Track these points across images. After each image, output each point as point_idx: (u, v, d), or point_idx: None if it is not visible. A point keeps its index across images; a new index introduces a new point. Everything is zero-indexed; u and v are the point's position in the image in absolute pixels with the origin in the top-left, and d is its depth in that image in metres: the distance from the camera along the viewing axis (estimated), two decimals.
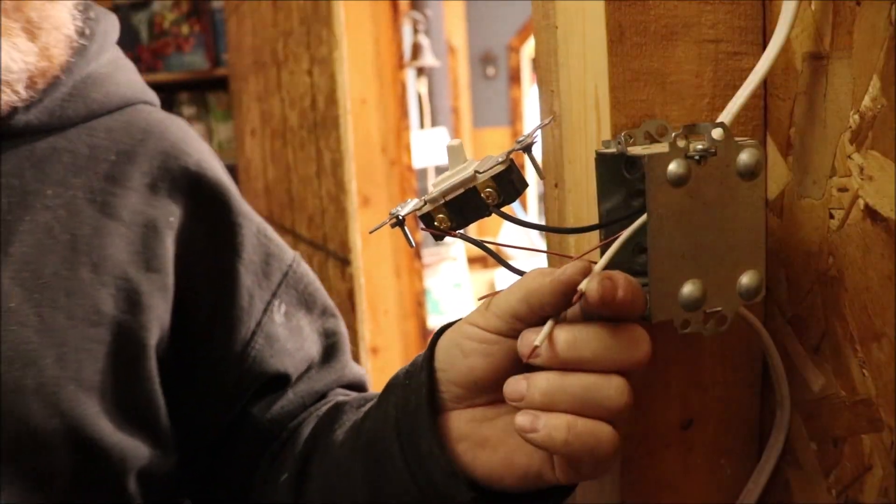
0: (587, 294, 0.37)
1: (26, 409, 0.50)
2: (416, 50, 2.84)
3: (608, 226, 0.42)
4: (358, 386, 0.69)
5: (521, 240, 3.72)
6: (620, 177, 0.44)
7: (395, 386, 0.50)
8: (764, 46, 0.46)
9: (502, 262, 0.45)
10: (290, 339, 0.65)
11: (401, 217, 0.45)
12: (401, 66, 1.54)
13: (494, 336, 0.41)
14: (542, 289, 0.38)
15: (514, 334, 0.41)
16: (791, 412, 0.48)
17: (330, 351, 0.68)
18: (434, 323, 2.47)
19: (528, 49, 5.85)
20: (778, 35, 0.42)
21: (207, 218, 0.62)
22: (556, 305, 0.38)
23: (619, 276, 0.37)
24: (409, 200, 0.47)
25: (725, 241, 0.40)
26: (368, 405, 0.56)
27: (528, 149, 0.40)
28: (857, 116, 0.41)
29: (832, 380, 0.45)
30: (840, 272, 0.43)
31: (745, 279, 0.41)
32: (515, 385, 0.40)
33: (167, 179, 0.60)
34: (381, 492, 0.48)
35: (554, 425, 0.38)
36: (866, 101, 0.40)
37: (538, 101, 0.54)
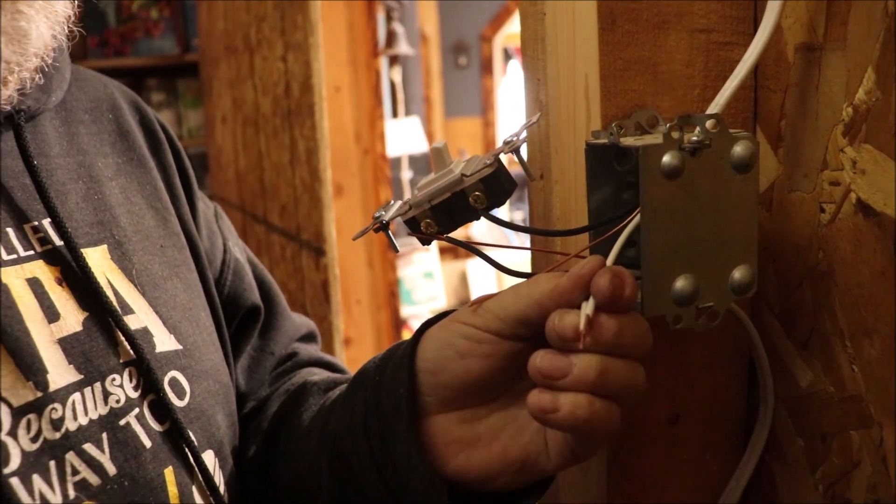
0: (599, 289, 0.36)
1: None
2: (391, 38, 2.81)
3: (600, 226, 0.41)
4: (311, 336, 0.71)
5: (494, 236, 3.73)
6: (610, 168, 0.43)
7: (363, 381, 0.49)
8: (754, 35, 0.45)
9: (494, 264, 0.44)
10: (248, 274, 0.66)
11: (385, 221, 0.43)
12: (375, 53, 1.52)
13: (494, 337, 0.41)
14: (558, 289, 0.38)
15: (513, 337, 0.41)
16: (778, 408, 0.48)
17: (270, 301, 0.68)
18: (406, 313, 2.46)
19: (501, 39, 5.83)
20: (766, 24, 0.41)
21: (176, 157, 0.61)
22: (574, 302, 0.38)
23: (625, 273, 0.37)
24: (393, 203, 0.46)
25: (718, 236, 0.39)
26: (335, 391, 0.56)
27: (516, 150, 0.39)
28: (850, 109, 0.40)
29: (821, 376, 0.44)
30: (831, 267, 0.42)
31: (738, 274, 0.40)
32: (555, 362, 0.38)
33: (145, 126, 0.60)
34: (346, 489, 0.48)
35: (578, 403, 0.38)
36: (860, 93, 0.39)
37: (523, 89, 0.53)
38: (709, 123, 0.38)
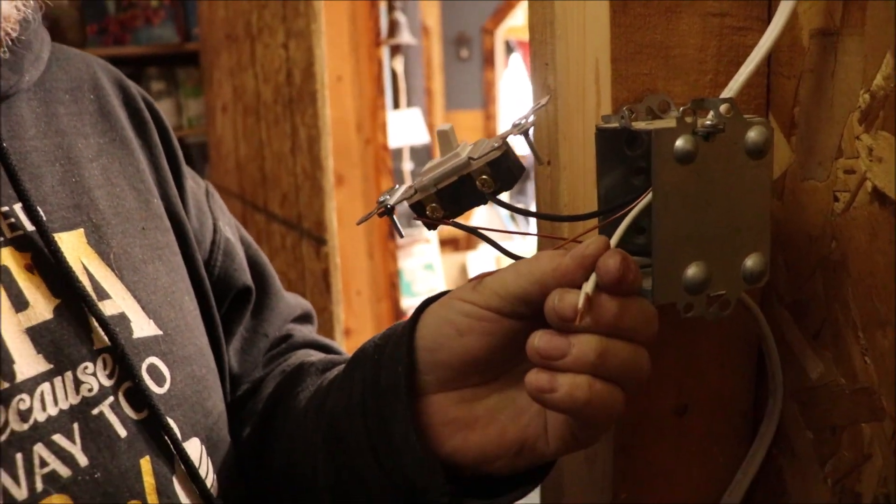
0: (606, 271, 0.35)
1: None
2: (393, 27, 2.79)
3: (609, 211, 0.40)
4: (306, 317, 0.70)
5: (494, 222, 3.72)
6: (621, 154, 0.42)
7: (361, 360, 0.48)
8: (769, 22, 0.44)
9: (500, 249, 0.43)
10: (239, 254, 0.65)
11: (390, 206, 0.42)
12: (377, 43, 1.50)
13: (494, 315, 0.40)
14: (561, 268, 0.37)
15: (513, 315, 0.40)
16: (786, 400, 0.47)
17: (263, 281, 0.67)
18: (406, 305, 2.46)
19: (503, 32, 5.81)
20: (783, 10, 0.40)
21: (162, 135, 0.60)
22: (576, 283, 0.37)
23: (630, 256, 0.36)
24: (398, 187, 0.45)
25: (730, 223, 0.39)
26: (332, 372, 0.55)
27: (525, 133, 0.38)
28: (867, 95, 0.39)
29: (832, 367, 0.43)
30: (844, 257, 0.42)
31: (750, 262, 0.39)
32: (554, 342, 0.37)
33: (129, 105, 0.58)
34: (342, 470, 0.47)
35: (577, 384, 0.37)
36: (878, 79, 0.38)
37: (530, 74, 0.52)
38: (723, 108, 0.37)
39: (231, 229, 0.66)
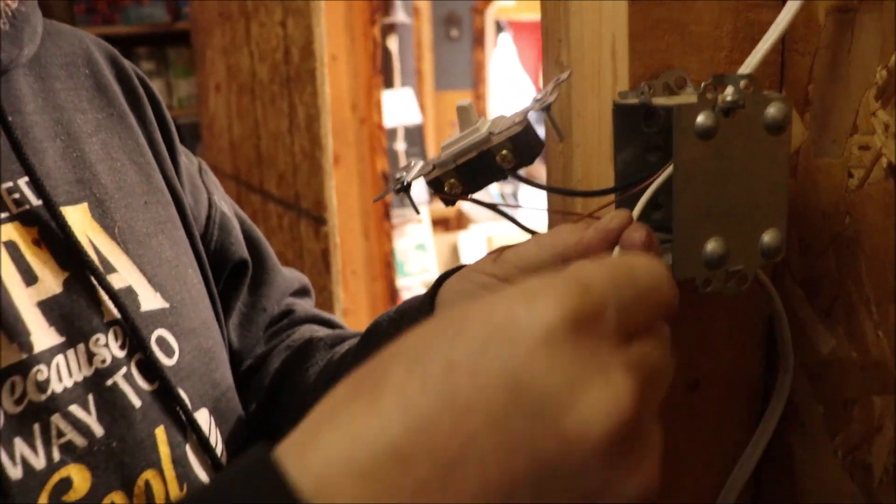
0: (631, 244, 0.36)
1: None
2: (387, 6, 2.76)
3: (628, 187, 0.40)
4: (304, 290, 0.70)
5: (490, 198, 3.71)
6: (638, 130, 0.42)
7: (375, 335, 0.49)
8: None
9: (518, 224, 0.43)
10: (235, 228, 0.65)
11: (407, 182, 0.42)
12: (373, 21, 1.49)
13: None
14: (584, 241, 0.37)
15: None
16: (797, 375, 0.47)
17: (260, 255, 0.67)
18: (398, 285, 2.46)
19: (493, 11, 5.78)
20: None
21: (156, 111, 0.60)
22: (600, 256, 0.37)
23: (651, 230, 0.36)
24: (414, 163, 0.45)
25: (749, 198, 0.39)
26: (342, 346, 0.55)
27: (547, 108, 0.38)
28: (884, 72, 0.39)
29: (844, 342, 0.44)
30: (858, 233, 0.42)
31: (767, 238, 0.39)
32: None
33: (123, 80, 0.58)
34: None
35: None
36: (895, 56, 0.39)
37: (542, 50, 0.52)
38: (742, 84, 0.37)
39: (226, 204, 0.66)
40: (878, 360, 0.42)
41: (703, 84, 0.37)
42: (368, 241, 1.58)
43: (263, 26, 1.34)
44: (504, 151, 0.39)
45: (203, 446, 0.49)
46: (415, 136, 2.80)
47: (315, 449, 0.26)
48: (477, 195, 0.43)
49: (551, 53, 0.51)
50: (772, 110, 0.38)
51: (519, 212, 0.46)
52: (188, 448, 0.48)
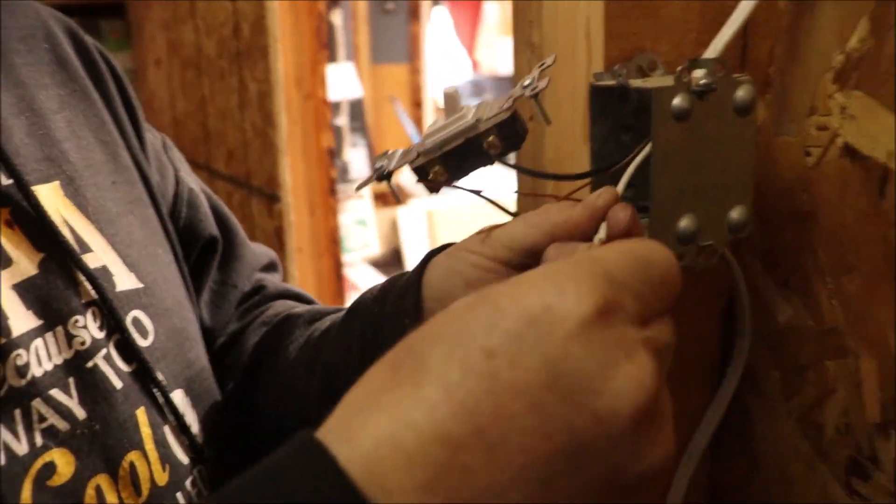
0: (616, 222, 0.37)
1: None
2: None
3: (607, 168, 0.42)
4: (272, 265, 0.71)
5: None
6: (612, 110, 0.44)
7: (358, 313, 0.49)
8: None
9: (505, 210, 0.44)
10: (203, 205, 0.65)
11: (388, 171, 0.43)
12: None
13: (502, 267, 0.41)
14: (573, 219, 0.38)
15: (521, 267, 0.41)
16: (755, 343, 0.50)
17: (228, 231, 0.67)
18: (343, 260, 2.45)
19: None
20: None
21: (118, 86, 0.58)
22: (586, 234, 0.38)
23: (634, 208, 0.38)
24: (394, 151, 0.45)
25: (718, 177, 0.41)
26: (323, 322, 0.56)
27: (536, 95, 0.39)
28: (842, 57, 0.42)
29: (800, 311, 0.47)
30: (814, 208, 0.45)
31: (735, 214, 0.42)
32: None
33: (84, 54, 0.56)
34: None
35: None
36: (853, 41, 0.41)
37: (514, 30, 0.53)
38: (715, 67, 0.39)
39: (193, 180, 0.65)
40: (832, 327, 0.45)
41: (679, 68, 0.38)
42: (314, 217, 1.57)
43: (210, 0, 1.31)
44: (491, 138, 0.40)
45: (181, 427, 0.49)
46: (357, 110, 2.77)
47: (361, 434, 0.27)
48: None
49: (522, 34, 0.52)
50: (741, 93, 0.40)
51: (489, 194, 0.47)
52: (167, 429, 0.48)
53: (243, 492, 0.27)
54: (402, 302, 0.45)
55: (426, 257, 0.46)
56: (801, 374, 0.47)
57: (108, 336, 0.47)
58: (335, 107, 2.52)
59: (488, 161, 0.41)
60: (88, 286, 0.46)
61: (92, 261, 0.48)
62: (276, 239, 1.18)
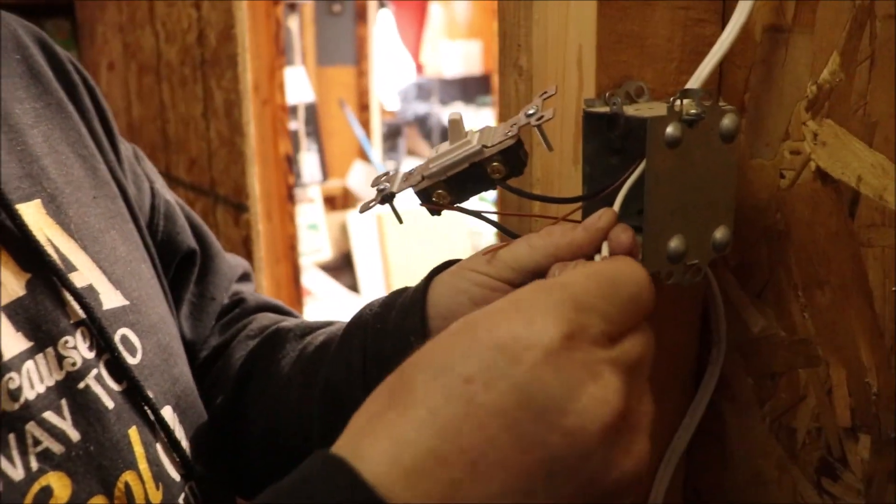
0: (619, 243, 0.39)
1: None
2: None
3: (601, 192, 0.44)
4: (247, 276, 0.71)
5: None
6: (601, 135, 0.46)
7: (359, 329, 0.50)
8: (722, 14, 0.49)
9: (506, 231, 0.46)
10: (180, 217, 0.65)
11: (391, 193, 0.44)
12: (276, 0, 1.47)
13: (507, 287, 0.43)
14: (575, 241, 0.40)
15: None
16: (730, 352, 0.53)
17: (204, 242, 0.67)
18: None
19: None
20: (743, 8, 0.45)
21: (92, 98, 0.58)
22: (588, 255, 0.41)
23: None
24: (393, 172, 0.47)
25: (704, 199, 0.44)
26: (316, 337, 0.56)
27: (540, 125, 0.40)
28: (814, 87, 0.45)
29: (773, 322, 0.50)
30: (787, 227, 0.48)
31: (719, 234, 0.44)
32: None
33: (56, 66, 0.56)
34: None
35: None
36: (825, 74, 0.44)
37: (500, 52, 0.55)
38: (703, 97, 0.42)
39: (167, 191, 0.65)
40: (804, 338, 0.48)
41: (671, 98, 0.41)
42: (271, 223, 1.57)
43: (172, 6, 1.29)
44: (495, 163, 0.41)
45: (172, 444, 0.49)
46: (311, 114, 2.76)
47: (366, 450, 0.30)
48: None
49: (509, 57, 0.54)
50: (726, 121, 0.43)
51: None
52: (159, 447, 0.49)
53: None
54: (406, 320, 0.46)
55: (429, 276, 0.47)
56: (773, 381, 0.51)
57: (98, 356, 0.47)
58: (292, 111, 2.51)
59: (491, 185, 0.43)
60: (76, 306, 0.46)
61: (78, 280, 0.48)
62: (244, 249, 1.18)
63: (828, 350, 0.47)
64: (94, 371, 0.46)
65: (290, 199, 1.63)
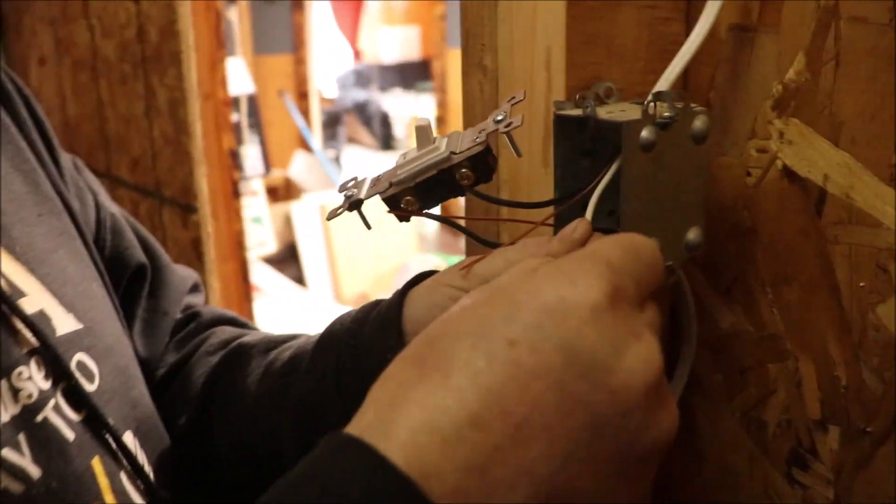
0: None
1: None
2: None
3: (573, 195, 0.43)
4: (197, 287, 0.69)
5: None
6: (572, 137, 0.45)
7: (331, 344, 0.49)
8: (686, 12, 0.49)
9: (477, 239, 0.45)
10: (128, 231, 0.62)
11: (359, 199, 0.43)
12: None
13: None
14: (552, 253, 0.40)
15: None
16: (699, 349, 0.54)
17: (152, 255, 0.65)
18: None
19: None
20: (711, 8, 0.45)
21: (28, 108, 0.56)
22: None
23: None
24: (361, 178, 0.46)
25: (677, 201, 0.44)
26: (283, 352, 0.55)
27: (508, 132, 0.40)
28: (780, 86, 0.45)
29: (741, 318, 0.51)
30: (755, 224, 0.48)
31: (691, 235, 0.45)
32: None
33: None
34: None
35: None
36: (791, 73, 0.45)
37: (463, 51, 0.54)
38: (675, 99, 0.42)
39: (111, 203, 0.63)
40: (773, 333, 0.49)
41: (646, 101, 0.40)
42: (217, 221, 1.53)
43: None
44: (464, 170, 0.41)
45: (136, 471, 0.48)
46: (252, 106, 2.70)
47: (396, 424, 0.29)
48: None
49: (473, 56, 0.53)
50: (698, 123, 0.43)
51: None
52: (123, 475, 0.47)
53: (288, 493, 0.28)
54: (382, 336, 0.45)
55: (403, 291, 0.46)
56: (743, 375, 0.51)
57: (55, 385, 0.45)
58: (233, 103, 2.45)
59: (460, 192, 0.42)
60: (28, 334, 0.44)
61: (28, 305, 0.45)
62: (193, 251, 1.14)
63: (797, 345, 0.47)
64: (52, 401, 0.44)
65: (236, 194, 1.59)
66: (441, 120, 5.21)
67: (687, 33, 0.49)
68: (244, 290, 1.68)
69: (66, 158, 0.59)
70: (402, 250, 3.48)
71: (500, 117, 0.40)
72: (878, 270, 0.43)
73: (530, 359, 0.30)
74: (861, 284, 0.43)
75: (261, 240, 2.93)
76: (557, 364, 0.30)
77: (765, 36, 0.46)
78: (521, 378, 0.29)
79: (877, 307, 0.43)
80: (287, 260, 3.54)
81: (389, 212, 0.43)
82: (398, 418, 0.29)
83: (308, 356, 0.50)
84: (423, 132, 0.42)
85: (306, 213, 3.69)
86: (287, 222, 3.73)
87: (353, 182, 0.46)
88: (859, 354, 0.44)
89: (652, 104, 0.40)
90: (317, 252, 3.52)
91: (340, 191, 0.45)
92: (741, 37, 0.47)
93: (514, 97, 0.41)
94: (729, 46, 0.48)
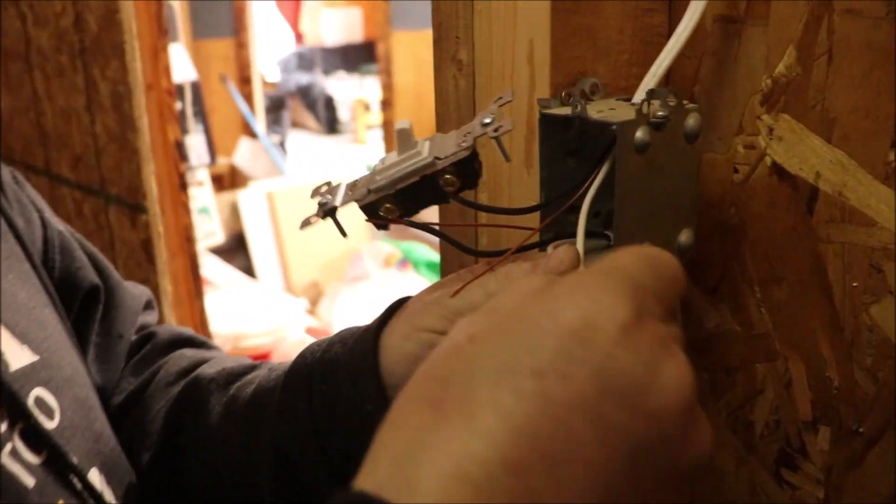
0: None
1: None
2: None
3: (562, 198, 0.41)
4: (150, 304, 0.65)
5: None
6: (557, 136, 0.43)
7: (301, 389, 0.46)
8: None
9: (459, 246, 0.43)
10: (77, 250, 0.58)
11: (333, 207, 0.40)
12: None
13: None
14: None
15: None
16: (685, 348, 0.53)
17: (103, 275, 0.61)
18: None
19: None
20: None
21: None
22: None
23: None
24: (336, 184, 0.43)
25: (669, 202, 0.42)
26: (244, 387, 0.51)
27: (498, 136, 0.37)
28: (769, 81, 0.44)
29: (728, 317, 0.49)
30: (742, 222, 0.47)
31: (683, 237, 0.43)
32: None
33: None
34: (301, 497, 0.46)
35: None
36: (781, 67, 0.43)
37: (435, 44, 0.52)
38: (667, 97, 0.40)
39: (57, 220, 0.58)
40: (761, 332, 0.48)
41: (640, 100, 0.39)
42: (165, 216, 1.47)
43: None
44: (448, 175, 0.38)
45: None
46: (196, 93, 2.62)
47: (419, 476, 0.25)
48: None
49: (446, 50, 0.50)
50: (690, 121, 0.41)
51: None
52: None
53: None
54: (358, 386, 0.42)
55: (376, 331, 0.43)
56: (729, 375, 0.50)
57: (11, 426, 0.41)
58: (177, 91, 2.37)
59: (444, 198, 0.40)
60: None
61: None
62: (144, 252, 1.09)
63: (786, 345, 0.47)
64: (9, 446, 0.40)
65: (183, 187, 1.53)
66: (386, 103, 5.15)
67: (670, 24, 0.48)
68: (195, 286, 1.62)
69: (5, 172, 0.55)
70: (353, 237, 3.43)
71: (487, 120, 0.37)
72: (872, 270, 0.42)
73: (561, 390, 0.27)
74: (854, 284, 0.43)
75: (209, 231, 2.86)
76: (591, 392, 0.27)
77: (753, 28, 0.44)
78: (553, 412, 0.27)
79: (871, 308, 0.42)
80: (235, 250, 3.46)
81: (368, 220, 0.41)
82: (420, 469, 0.25)
83: (276, 396, 0.47)
84: (403, 136, 0.39)
85: (253, 202, 3.61)
86: (234, 211, 3.64)
87: (326, 187, 0.43)
88: (852, 355, 0.43)
89: (646, 103, 0.39)
90: (265, 241, 3.44)
91: (313, 196, 0.43)
92: (728, 28, 0.45)
93: (501, 97, 0.38)
94: (715, 39, 0.46)
